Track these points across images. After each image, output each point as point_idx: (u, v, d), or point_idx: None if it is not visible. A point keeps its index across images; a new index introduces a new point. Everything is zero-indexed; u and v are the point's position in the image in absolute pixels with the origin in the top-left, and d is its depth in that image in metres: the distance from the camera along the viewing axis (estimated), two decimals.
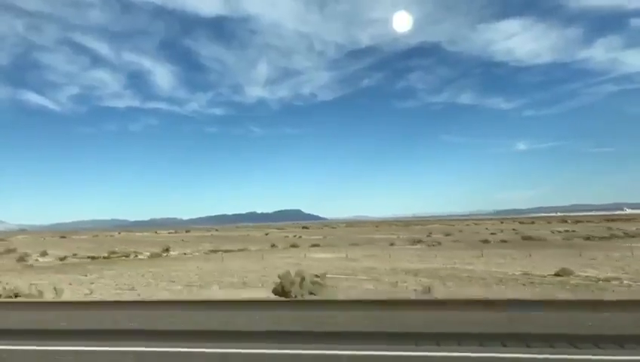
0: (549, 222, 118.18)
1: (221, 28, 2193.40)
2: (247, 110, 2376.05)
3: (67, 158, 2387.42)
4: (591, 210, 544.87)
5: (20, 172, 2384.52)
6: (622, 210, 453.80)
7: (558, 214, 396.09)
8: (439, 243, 49.70)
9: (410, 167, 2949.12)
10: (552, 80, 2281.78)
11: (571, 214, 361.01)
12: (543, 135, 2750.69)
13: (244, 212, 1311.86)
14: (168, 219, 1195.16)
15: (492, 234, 66.54)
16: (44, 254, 51.56)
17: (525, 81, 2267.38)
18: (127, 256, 43.91)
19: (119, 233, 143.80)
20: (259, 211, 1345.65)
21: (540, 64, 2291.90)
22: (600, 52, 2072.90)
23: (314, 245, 52.23)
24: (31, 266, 35.19)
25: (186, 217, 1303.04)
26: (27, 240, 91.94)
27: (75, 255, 46.62)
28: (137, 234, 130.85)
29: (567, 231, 70.00)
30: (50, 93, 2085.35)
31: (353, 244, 51.16)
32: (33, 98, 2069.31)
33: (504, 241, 51.01)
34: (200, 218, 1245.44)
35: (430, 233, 73.36)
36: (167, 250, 51.37)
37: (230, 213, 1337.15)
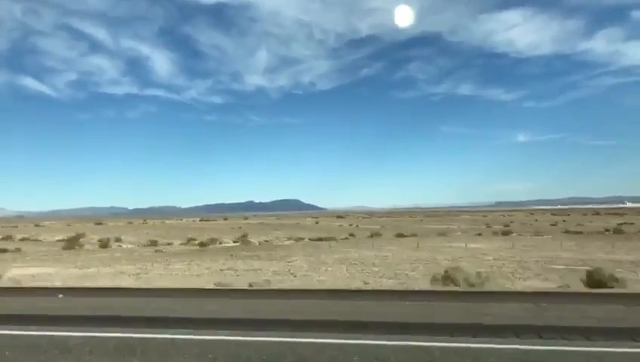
0: (584, 214, 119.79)
1: (221, 15, 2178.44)
2: (246, 98, 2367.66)
3: (65, 145, 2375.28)
4: (590, 203, 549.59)
5: (17, 158, 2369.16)
6: (623, 203, 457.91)
7: (559, 207, 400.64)
8: (520, 234, 50.62)
9: (409, 157, 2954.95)
10: (553, 71, 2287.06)
11: (574, 207, 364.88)
12: (543, 127, 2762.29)
13: (242, 201, 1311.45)
14: (167, 207, 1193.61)
15: (552, 225, 67.81)
16: (118, 240, 51.82)
17: (526, 72, 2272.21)
18: (217, 244, 43.84)
19: (161, 221, 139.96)
20: (257, 201, 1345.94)
21: (541, 55, 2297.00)
22: (601, 44, 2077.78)
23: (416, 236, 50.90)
24: (162, 252, 35.81)
25: (184, 206, 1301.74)
26: (58, 226, 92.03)
27: (169, 243, 46.70)
28: (182, 221, 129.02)
29: (623, 223, 71.29)
30: (47, 79, 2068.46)
31: (441, 235, 52.28)
32: (31, 83, 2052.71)
33: (615, 232, 51.10)
34: (198, 206, 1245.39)
35: (488, 224, 74.53)
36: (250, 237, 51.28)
37: (228, 201, 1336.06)
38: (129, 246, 44.26)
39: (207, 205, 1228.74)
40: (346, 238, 49.50)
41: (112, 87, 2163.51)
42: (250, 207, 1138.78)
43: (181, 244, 44.97)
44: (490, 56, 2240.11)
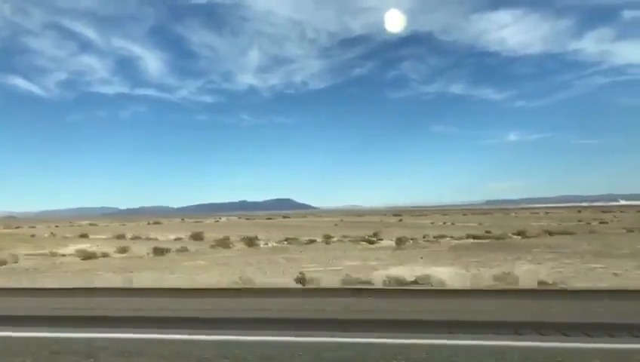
0: (609, 211, 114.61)
1: (212, 14, 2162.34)
2: (237, 98, 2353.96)
3: (55, 145, 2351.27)
4: (581, 201, 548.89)
5: (6, 158, 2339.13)
6: (616, 201, 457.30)
7: (558, 205, 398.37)
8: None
9: (402, 157, 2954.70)
10: (544, 71, 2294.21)
11: (566, 205, 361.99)
12: (533, 126, 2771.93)
13: (235, 200, 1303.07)
14: (159, 207, 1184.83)
15: (602, 223, 60.46)
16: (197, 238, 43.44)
17: (517, 71, 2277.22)
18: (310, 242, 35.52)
19: (220, 218, 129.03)
20: (249, 200, 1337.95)
21: (532, 55, 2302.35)
22: (591, 44, 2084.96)
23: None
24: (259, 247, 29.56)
25: (176, 205, 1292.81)
26: (105, 229, 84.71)
27: (268, 239, 38.09)
28: (243, 220, 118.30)
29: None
30: (37, 79, 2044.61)
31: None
32: (20, 83, 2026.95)
33: None
34: (190, 206, 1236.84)
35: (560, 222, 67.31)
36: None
37: (221, 201, 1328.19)
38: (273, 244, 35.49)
39: (200, 205, 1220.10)
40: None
41: (103, 86, 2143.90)
42: (243, 206, 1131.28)
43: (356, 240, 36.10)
44: (482, 56, 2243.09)
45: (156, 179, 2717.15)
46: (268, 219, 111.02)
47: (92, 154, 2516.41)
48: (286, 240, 36.81)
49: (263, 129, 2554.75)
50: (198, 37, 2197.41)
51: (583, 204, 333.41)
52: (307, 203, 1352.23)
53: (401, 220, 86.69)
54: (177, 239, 42.61)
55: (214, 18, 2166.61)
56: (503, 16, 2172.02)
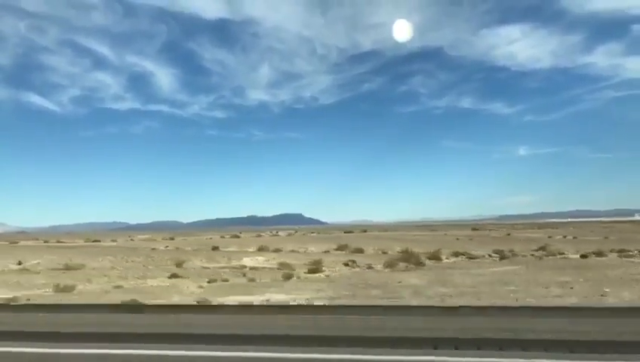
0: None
1: (224, 31, 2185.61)
2: (248, 113, 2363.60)
3: (67, 160, 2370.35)
4: (595, 216, 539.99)
5: (20, 173, 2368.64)
6: (632, 216, 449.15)
7: (573, 220, 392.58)
8: None
9: (411, 171, 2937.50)
10: (553, 85, 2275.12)
11: (579, 220, 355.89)
12: (544, 140, 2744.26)
13: (244, 215, 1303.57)
14: (169, 222, 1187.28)
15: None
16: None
17: (526, 86, 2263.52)
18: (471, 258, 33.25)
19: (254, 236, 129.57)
20: (259, 215, 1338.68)
21: (541, 69, 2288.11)
22: (601, 58, 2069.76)
23: None
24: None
25: (186, 220, 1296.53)
26: (189, 243, 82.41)
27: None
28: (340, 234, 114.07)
29: None
30: (51, 95, 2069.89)
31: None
32: (35, 99, 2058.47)
33: None
34: (200, 221, 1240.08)
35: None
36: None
37: (230, 216, 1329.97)
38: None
39: (209, 219, 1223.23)
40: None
41: (116, 102, 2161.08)
42: (252, 221, 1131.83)
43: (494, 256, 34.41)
44: (491, 70, 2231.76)
45: (167, 194, 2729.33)
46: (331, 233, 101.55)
47: (103, 169, 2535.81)
48: (455, 255, 34.89)
49: (272, 144, 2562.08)
50: (210, 53, 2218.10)
51: (601, 219, 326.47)
52: (317, 218, 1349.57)
53: (509, 234, 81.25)
54: (326, 252, 41.16)
55: (225, 35, 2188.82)
56: (512, 31, 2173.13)
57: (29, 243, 77.64)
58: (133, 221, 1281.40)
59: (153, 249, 52.14)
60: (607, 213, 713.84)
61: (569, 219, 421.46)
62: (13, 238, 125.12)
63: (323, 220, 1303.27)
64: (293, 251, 43.83)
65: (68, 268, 30.59)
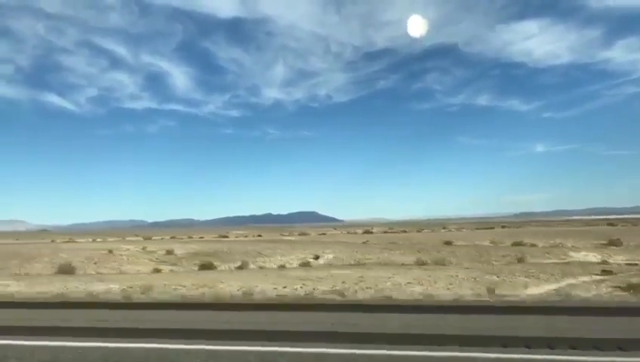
0: (609, 224, 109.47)
1: (238, 30, 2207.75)
2: (263, 112, 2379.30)
3: (85, 159, 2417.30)
4: (614, 214, 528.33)
5: (39, 172, 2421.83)
6: None
7: (589, 217, 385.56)
8: None
9: (426, 169, 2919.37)
10: (572, 81, 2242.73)
11: (599, 218, 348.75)
12: (561, 137, 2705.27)
13: (259, 213, 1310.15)
14: (185, 220, 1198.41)
15: None
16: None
17: (544, 82, 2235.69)
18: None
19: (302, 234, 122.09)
20: (274, 213, 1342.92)
21: (559, 65, 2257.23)
22: (620, 53, 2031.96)
23: None
24: None
25: (202, 218, 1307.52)
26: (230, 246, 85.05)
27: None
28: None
29: None
30: (70, 95, 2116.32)
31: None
32: (54, 99, 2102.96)
33: None
34: (216, 219, 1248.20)
35: None
36: None
37: (246, 214, 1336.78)
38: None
39: (226, 217, 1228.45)
40: None
41: (132, 102, 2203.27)
42: (267, 219, 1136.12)
43: None
44: (508, 67, 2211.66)
45: (183, 193, 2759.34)
46: (386, 233, 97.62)
47: (120, 168, 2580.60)
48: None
49: (287, 142, 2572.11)
50: (225, 52, 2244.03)
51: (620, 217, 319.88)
52: (332, 215, 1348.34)
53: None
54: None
55: (240, 33, 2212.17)
56: (529, 26, 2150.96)
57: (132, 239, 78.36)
58: (149, 219, 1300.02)
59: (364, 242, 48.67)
60: (625, 211, 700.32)
61: (584, 217, 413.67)
62: (40, 236, 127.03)
63: (338, 218, 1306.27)
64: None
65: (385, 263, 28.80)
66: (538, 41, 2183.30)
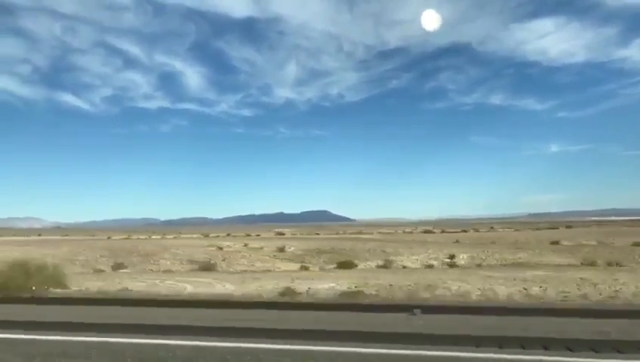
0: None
1: (251, 29, 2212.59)
2: (275, 111, 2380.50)
3: (99, 158, 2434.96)
4: (628, 215, 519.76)
5: (54, 170, 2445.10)
6: None
7: (605, 218, 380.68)
8: None
9: (439, 168, 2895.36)
10: (587, 80, 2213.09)
11: (616, 218, 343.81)
12: (576, 137, 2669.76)
13: (271, 212, 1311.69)
14: (198, 218, 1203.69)
15: None
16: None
17: (559, 81, 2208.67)
18: None
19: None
20: (286, 212, 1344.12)
21: (575, 64, 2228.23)
22: (637, 51, 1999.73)
23: None
24: None
25: (215, 217, 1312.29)
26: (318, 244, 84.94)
27: None
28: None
29: None
30: (84, 95, 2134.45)
31: None
32: (69, 99, 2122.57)
33: None
34: (228, 218, 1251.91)
35: None
36: None
37: (258, 213, 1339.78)
38: None
39: (239, 216, 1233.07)
40: None
41: (146, 101, 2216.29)
42: (280, 218, 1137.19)
43: None
44: (522, 66, 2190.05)
45: (195, 191, 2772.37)
46: (444, 232, 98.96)
47: (133, 166, 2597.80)
48: None
49: (299, 141, 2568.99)
50: (237, 52, 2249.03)
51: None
52: (344, 215, 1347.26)
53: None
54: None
55: (253, 33, 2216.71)
56: (544, 24, 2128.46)
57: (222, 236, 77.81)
58: (162, 217, 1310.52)
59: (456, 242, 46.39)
60: None
61: (599, 218, 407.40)
62: (60, 233, 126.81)
63: (350, 217, 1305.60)
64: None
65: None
66: (553, 40, 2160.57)
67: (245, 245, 38.33)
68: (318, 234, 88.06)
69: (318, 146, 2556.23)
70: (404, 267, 25.46)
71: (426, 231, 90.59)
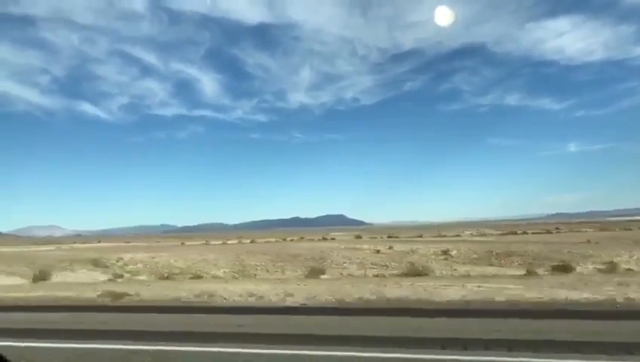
0: None
1: (265, 35, 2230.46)
2: (289, 116, 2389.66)
3: (117, 165, 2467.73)
4: None
5: (74, 179, 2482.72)
6: None
7: (626, 218, 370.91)
8: None
9: (456, 170, 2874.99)
10: (606, 78, 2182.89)
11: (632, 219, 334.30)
12: (595, 136, 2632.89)
13: (287, 217, 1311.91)
14: (215, 224, 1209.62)
15: None
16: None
17: (577, 80, 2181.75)
18: None
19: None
20: (302, 216, 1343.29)
21: (593, 62, 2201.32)
22: None
23: None
24: None
25: (231, 222, 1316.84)
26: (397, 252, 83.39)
27: None
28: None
29: None
30: (102, 103, 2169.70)
31: None
32: (87, 108, 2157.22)
33: None
34: (245, 223, 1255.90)
35: None
36: None
37: (274, 218, 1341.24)
38: None
39: (254, 221, 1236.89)
40: None
41: (162, 108, 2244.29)
42: (295, 222, 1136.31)
43: None
44: (538, 65, 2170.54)
45: (212, 197, 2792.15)
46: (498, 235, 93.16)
47: (151, 174, 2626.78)
48: None
49: (314, 146, 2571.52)
50: (252, 58, 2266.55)
51: None
52: (360, 218, 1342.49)
53: None
54: None
55: (267, 39, 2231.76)
56: (562, 23, 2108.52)
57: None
58: (179, 223, 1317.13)
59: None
60: None
61: (620, 218, 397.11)
62: (90, 240, 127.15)
63: (366, 221, 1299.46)
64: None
65: None
66: (571, 38, 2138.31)
67: (390, 248, 37.34)
68: (391, 237, 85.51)
69: (333, 150, 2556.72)
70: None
71: (480, 234, 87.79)
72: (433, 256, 34.18)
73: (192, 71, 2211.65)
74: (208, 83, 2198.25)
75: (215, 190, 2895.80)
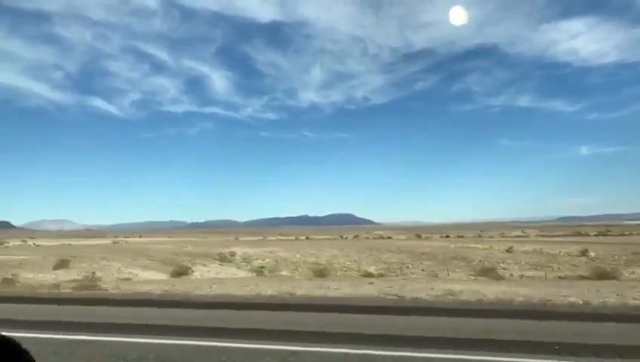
0: None
1: (277, 33, 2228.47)
2: (300, 114, 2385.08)
3: (128, 161, 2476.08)
4: None
5: (86, 174, 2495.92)
6: None
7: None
8: None
9: (466, 171, 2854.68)
10: (619, 81, 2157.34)
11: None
12: (608, 139, 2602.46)
13: (296, 215, 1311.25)
14: (224, 221, 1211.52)
15: None
16: None
17: (590, 82, 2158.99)
18: None
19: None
20: (311, 215, 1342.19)
21: (606, 64, 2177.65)
22: None
23: None
24: None
25: (240, 219, 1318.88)
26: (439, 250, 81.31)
27: None
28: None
29: None
30: (114, 99, 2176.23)
31: None
32: (99, 104, 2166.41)
33: None
34: (254, 220, 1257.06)
35: None
36: None
37: (283, 215, 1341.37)
38: None
39: (263, 219, 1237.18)
40: None
41: (173, 105, 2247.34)
42: (304, 220, 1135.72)
43: None
44: (551, 67, 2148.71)
45: (222, 194, 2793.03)
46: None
47: (161, 170, 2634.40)
48: None
49: (324, 144, 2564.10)
50: (263, 56, 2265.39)
51: None
52: (368, 218, 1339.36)
53: None
54: None
55: (279, 37, 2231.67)
56: (575, 25, 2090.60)
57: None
58: (189, 220, 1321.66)
59: None
60: None
61: (633, 222, 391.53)
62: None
63: (375, 221, 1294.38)
64: None
65: None
66: (584, 40, 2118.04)
67: (509, 249, 34.97)
68: (420, 236, 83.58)
69: (343, 149, 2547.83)
70: None
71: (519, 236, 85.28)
72: (568, 258, 31.76)
73: (203, 68, 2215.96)
74: (219, 80, 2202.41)
75: (224, 187, 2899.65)
